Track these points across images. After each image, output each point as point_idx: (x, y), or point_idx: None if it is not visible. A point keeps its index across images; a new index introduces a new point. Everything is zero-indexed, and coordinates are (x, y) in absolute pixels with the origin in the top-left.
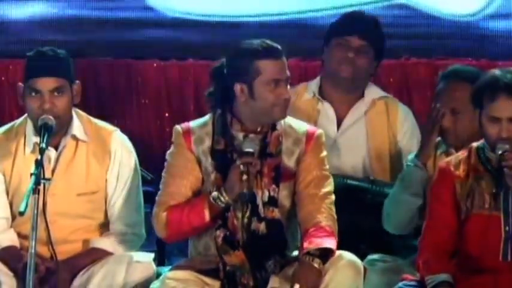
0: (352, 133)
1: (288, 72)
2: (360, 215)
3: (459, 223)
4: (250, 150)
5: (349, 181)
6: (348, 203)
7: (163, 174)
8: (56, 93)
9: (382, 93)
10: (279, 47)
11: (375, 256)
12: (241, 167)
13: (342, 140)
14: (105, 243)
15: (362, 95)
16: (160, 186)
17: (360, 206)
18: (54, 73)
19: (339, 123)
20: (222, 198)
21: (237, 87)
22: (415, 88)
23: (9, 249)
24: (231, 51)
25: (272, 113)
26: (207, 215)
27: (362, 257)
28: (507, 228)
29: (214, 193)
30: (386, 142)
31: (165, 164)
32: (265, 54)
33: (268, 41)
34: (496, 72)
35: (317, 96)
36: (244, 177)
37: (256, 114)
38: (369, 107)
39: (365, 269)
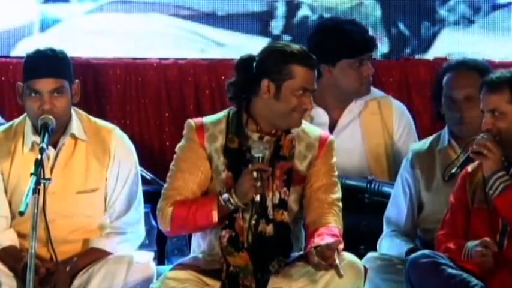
0: (346, 134)
1: (315, 85)
2: (358, 215)
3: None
4: (260, 155)
5: (346, 181)
6: (346, 203)
7: (171, 167)
8: (55, 94)
9: (374, 93)
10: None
11: (374, 254)
12: (254, 173)
13: (337, 142)
14: (104, 243)
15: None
16: (167, 180)
17: (357, 205)
18: (54, 74)
19: (333, 127)
20: (232, 201)
21: (265, 83)
22: (415, 88)
23: (9, 249)
24: (268, 47)
25: (290, 117)
26: (215, 217)
27: (361, 257)
28: (504, 221)
29: (225, 195)
30: (382, 142)
31: (174, 156)
32: (303, 61)
33: (304, 48)
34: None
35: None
36: (258, 184)
37: (274, 116)
38: (362, 109)
39: (365, 269)
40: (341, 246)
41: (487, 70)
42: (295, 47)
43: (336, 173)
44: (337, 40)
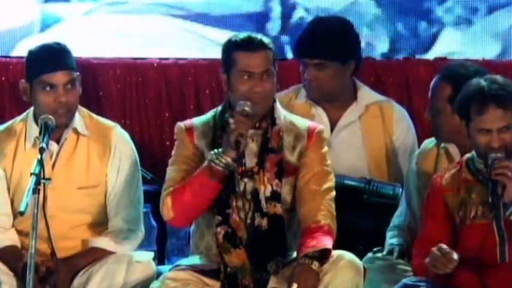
0: (346, 135)
1: (268, 67)
2: (357, 215)
3: (451, 237)
4: (246, 108)
5: (345, 181)
6: (345, 203)
7: (167, 170)
8: (69, 86)
9: (375, 97)
10: (264, 40)
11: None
12: (232, 125)
13: (336, 142)
14: (105, 242)
15: (354, 97)
16: (166, 178)
17: (356, 206)
18: (67, 67)
19: (333, 127)
20: (222, 160)
21: (222, 77)
22: (415, 88)
23: (9, 248)
24: (224, 42)
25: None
26: (208, 176)
27: (361, 257)
28: (500, 232)
29: (211, 154)
30: (383, 146)
31: (169, 161)
32: (242, 46)
33: (252, 34)
34: (482, 82)
35: (309, 101)
36: (232, 126)
37: (236, 106)
38: (362, 112)
39: (365, 269)
40: (330, 242)
41: (462, 79)
42: (242, 35)
43: (328, 162)
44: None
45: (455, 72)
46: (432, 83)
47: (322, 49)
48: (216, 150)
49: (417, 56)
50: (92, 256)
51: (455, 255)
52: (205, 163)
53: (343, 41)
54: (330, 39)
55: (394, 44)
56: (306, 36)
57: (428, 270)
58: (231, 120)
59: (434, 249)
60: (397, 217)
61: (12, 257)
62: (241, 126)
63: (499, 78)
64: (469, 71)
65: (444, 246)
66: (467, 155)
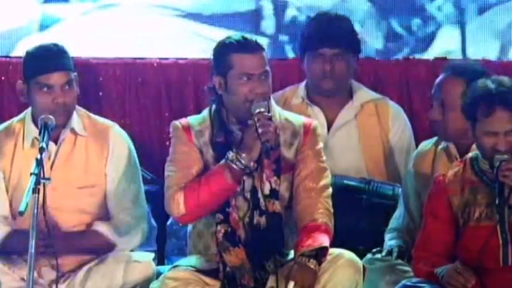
0: (342, 134)
1: (266, 68)
2: (357, 215)
3: (454, 238)
4: (258, 110)
5: (345, 181)
6: (344, 203)
7: (167, 168)
8: (66, 87)
9: (371, 95)
10: (258, 41)
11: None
12: (257, 121)
13: (333, 142)
14: (105, 229)
15: (350, 95)
16: (168, 174)
17: (356, 206)
18: (65, 67)
19: (330, 126)
20: (242, 161)
21: (216, 80)
22: (415, 88)
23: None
24: (215, 45)
25: (248, 108)
26: (228, 177)
27: (361, 257)
28: (504, 235)
29: (231, 154)
30: (380, 144)
31: (168, 159)
32: (239, 48)
33: (247, 36)
34: (489, 84)
35: (306, 101)
36: (260, 130)
37: (234, 108)
38: (358, 111)
39: (364, 267)
40: (327, 241)
41: (474, 75)
42: (235, 37)
43: (324, 158)
44: (304, 31)
45: (467, 69)
46: (441, 80)
47: (343, 38)
48: (235, 151)
49: (416, 55)
50: (90, 239)
51: (472, 275)
52: (222, 163)
53: (354, 33)
54: (347, 30)
55: (388, 40)
56: (322, 27)
57: (432, 276)
58: (258, 124)
59: (450, 267)
60: (396, 219)
61: None
62: (267, 130)
63: (506, 80)
64: (478, 67)
65: (460, 265)
66: (470, 154)
